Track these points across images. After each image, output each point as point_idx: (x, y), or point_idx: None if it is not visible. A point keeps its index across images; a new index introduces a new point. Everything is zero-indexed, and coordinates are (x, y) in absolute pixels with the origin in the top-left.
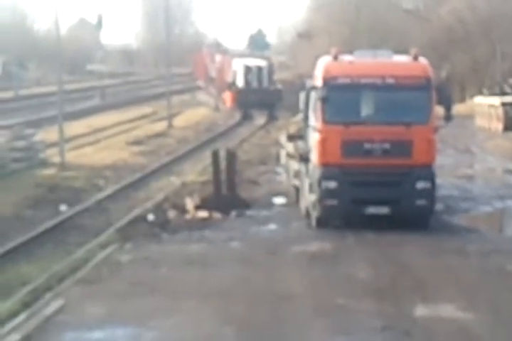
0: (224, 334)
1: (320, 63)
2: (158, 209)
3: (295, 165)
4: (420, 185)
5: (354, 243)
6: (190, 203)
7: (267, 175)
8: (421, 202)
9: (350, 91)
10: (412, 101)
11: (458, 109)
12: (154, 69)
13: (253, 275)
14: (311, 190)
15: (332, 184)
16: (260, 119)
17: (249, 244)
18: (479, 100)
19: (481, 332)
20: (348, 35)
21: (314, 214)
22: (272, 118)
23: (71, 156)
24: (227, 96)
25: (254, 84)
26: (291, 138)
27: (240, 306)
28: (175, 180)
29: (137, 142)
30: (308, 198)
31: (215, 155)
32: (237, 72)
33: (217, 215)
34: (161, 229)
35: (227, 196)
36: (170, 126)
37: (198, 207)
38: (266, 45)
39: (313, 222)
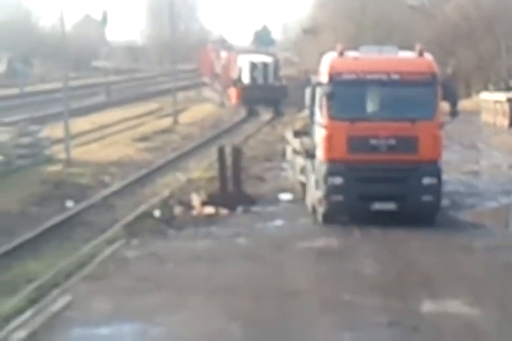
0: (231, 330)
1: (325, 59)
2: (165, 205)
3: (301, 161)
4: (426, 180)
5: (360, 239)
6: (196, 199)
7: (273, 171)
8: (427, 197)
9: (356, 87)
10: (418, 97)
11: (463, 104)
12: (159, 66)
13: (259, 271)
14: (317, 186)
15: (338, 180)
16: (266, 115)
17: (255, 240)
18: (485, 96)
19: (487, 327)
20: (354, 31)
21: (320, 210)
22: (277, 114)
23: (77, 153)
24: (233, 92)
25: (260, 80)
26: (296, 134)
27: (247, 302)
28: (181, 177)
29: (143, 138)
30: (315, 194)
31: (221, 152)
32: (242, 68)
33: (223, 211)
34: (167, 225)
35: (233, 192)
36: (175, 122)
37: (204, 203)
38: (271, 42)
39: (320, 218)
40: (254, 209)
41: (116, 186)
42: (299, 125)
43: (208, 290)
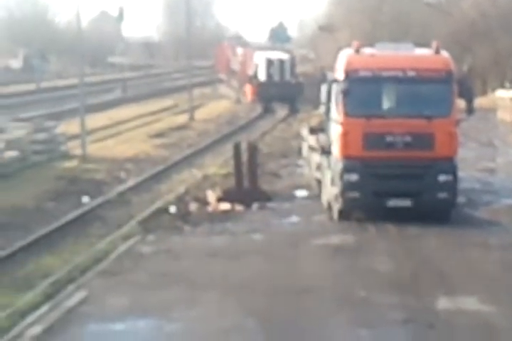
0: (246, 326)
1: (341, 56)
2: (180, 201)
3: (317, 158)
4: (442, 178)
5: (376, 236)
6: (211, 195)
7: (289, 167)
8: (443, 195)
9: (372, 84)
10: (434, 94)
11: (480, 102)
12: (175, 62)
13: (275, 267)
14: (333, 183)
15: (354, 177)
16: (282, 112)
17: (271, 237)
18: (501, 93)
19: (503, 324)
20: (370, 28)
21: (336, 207)
22: (293, 111)
23: (92, 149)
24: (248, 89)
25: (276, 77)
26: (312, 131)
27: (262, 298)
28: (196, 173)
29: (159, 135)
30: (330, 191)
31: (237, 148)
32: (258, 65)
33: (238, 208)
34: (182, 222)
35: (248, 189)
36: (191, 118)
37: (219, 200)
38: (287, 38)
39: (335, 215)
40: (270, 205)
41: (131, 182)
42: (314, 122)
43: (224, 286)
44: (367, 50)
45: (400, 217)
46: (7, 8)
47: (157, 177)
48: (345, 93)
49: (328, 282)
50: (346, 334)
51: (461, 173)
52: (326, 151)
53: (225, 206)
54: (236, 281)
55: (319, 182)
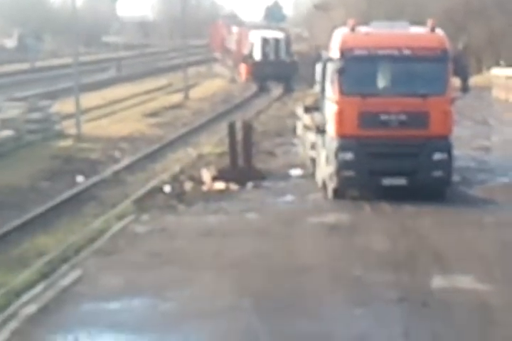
0: (241, 305)
1: (336, 35)
2: (175, 180)
3: (311, 137)
4: (437, 156)
5: (371, 214)
6: (206, 175)
7: (284, 146)
8: (438, 173)
9: (367, 62)
10: (429, 72)
11: (475, 80)
12: (170, 41)
13: (270, 246)
14: (327, 162)
15: (349, 155)
16: (276, 91)
17: (266, 216)
18: (496, 72)
19: (498, 303)
20: (365, 7)
21: (331, 186)
22: (288, 90)
23: (87, 128)
24: (243, 68)
25: (271, 56)
26: (307, 109)
27: (258, 277)
28: (191, 152)
29: (153, 114)
30: (325, 170)
31: (232, 127)
32: (254, 44)
33: (233, 187)
34: (177, 201)
35: (243, 167)
36: (186, 97)
37: (214, 179)
38: (282, 17)
39: (330, 194)
40: (265, 184)
41: (126, 161)
42: (309, 101)
43: (219, 265)
44: (362, 29)
45: (395, 195)
46: None
47: (152, 156)
48: (341, 72)
49: (324, 260)
50: (341, 312)
51: (456, 152)
52: (320, 130)
53: (220, 185)
54: (231, 260)
55: (313, 161)
